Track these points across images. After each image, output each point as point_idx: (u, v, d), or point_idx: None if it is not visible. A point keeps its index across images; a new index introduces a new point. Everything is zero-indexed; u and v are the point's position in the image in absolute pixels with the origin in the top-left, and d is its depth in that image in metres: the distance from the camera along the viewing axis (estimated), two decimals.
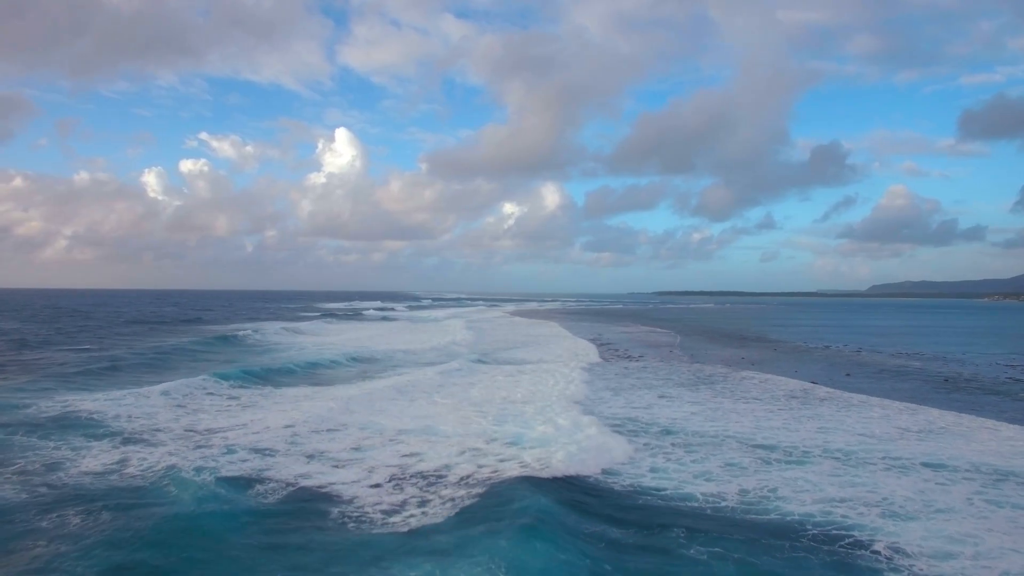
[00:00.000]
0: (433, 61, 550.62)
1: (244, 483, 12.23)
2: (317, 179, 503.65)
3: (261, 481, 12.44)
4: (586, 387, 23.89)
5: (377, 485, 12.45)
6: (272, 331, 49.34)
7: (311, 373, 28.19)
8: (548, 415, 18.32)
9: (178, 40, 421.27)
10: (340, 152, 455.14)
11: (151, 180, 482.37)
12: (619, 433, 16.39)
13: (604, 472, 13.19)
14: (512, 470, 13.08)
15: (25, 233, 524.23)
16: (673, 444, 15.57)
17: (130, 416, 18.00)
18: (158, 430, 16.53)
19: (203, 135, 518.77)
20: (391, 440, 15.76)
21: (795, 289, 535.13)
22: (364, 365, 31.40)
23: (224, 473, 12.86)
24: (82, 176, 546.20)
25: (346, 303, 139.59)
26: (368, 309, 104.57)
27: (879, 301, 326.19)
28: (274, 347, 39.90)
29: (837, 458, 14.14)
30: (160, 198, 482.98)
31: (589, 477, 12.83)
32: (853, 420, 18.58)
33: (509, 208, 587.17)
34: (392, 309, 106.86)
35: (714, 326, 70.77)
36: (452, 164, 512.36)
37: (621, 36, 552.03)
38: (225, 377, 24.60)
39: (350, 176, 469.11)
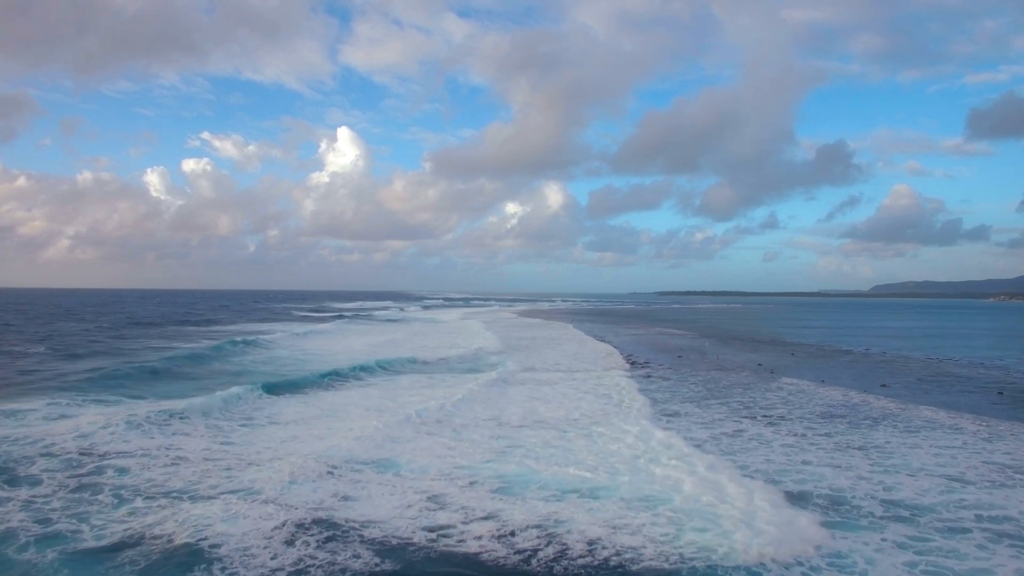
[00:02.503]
0: (435, 60, 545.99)
1: (102, 552, 8.78)
2: (319, 179, 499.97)
3: (134, 543, 9.01)
4: (600, 403, 20.38)
5: (269, 538, 9.11)
6: (290, 334, 44.44)
7: (322, 385, 23.73)
8: (566, 447, 14.46)
9: (183, 38, 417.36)
10: (342, 152, 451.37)
11: (154, 179, 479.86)
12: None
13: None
14: (465, 541, 9.17)
15: (28, 233, 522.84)
16: None
17: (39, 441, 14.26)
18: (46, 457, 12.90)
19: (205, 134, 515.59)
20: (330, 472, 11.86)
21: (797, 289, 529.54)
22: (391, 375, 26.53)
23: (86, 533, 9.44)
24: (85, 176, 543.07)
25: (356, 303, 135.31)
26: (381, 310, 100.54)
27: (884, 301, 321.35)
28: (295, 351, 35.36)
29: (905, 518, 10.07)
30: (163, 197, 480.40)
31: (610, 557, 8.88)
32: (924, 451, 14.32)
33: (512, 208, 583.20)
34: (402, 309, 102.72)
35: (723, 327, 66.71)
36: (456, 163, 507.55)
37: (624, 35, 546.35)
38: (251, 391, 20.69)
39: (353, 176, 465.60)
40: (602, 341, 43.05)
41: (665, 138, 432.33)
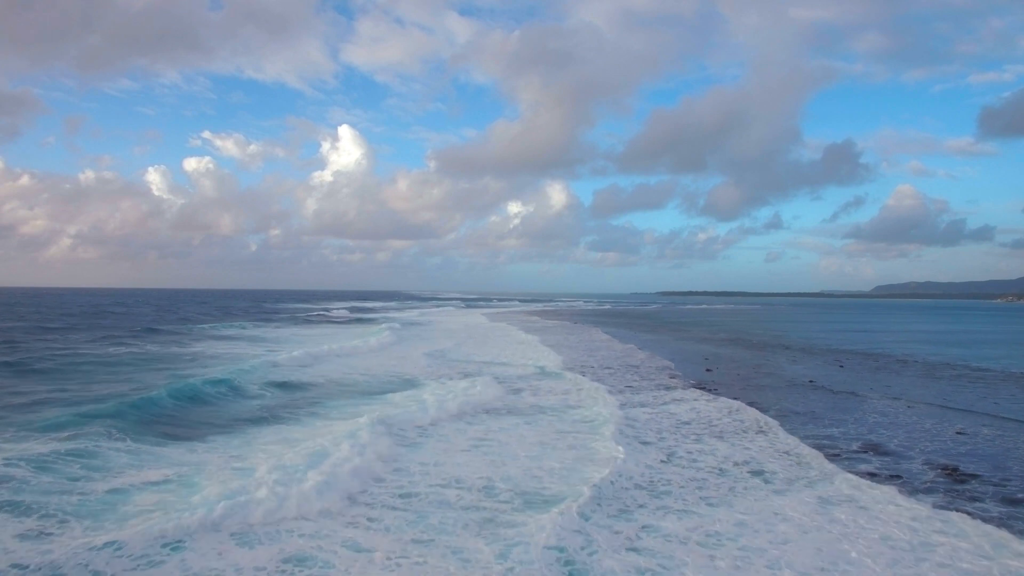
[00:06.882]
0: (437, 59, 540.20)
1: None
2: (322, 178, 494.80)
3: None
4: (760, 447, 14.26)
5: None
6: (344, 349, 34.25)
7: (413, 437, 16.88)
8: None
9: (188, 35, 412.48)
10: (345, 151, 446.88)
11: (155, 178, 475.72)
12: None
13: None
14: None
15: (30, 231, 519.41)
16: None
17: None
18: None
19: (207, 133, 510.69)
20: None
21: (799, 289, 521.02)
22: (482, 415, 17.62)
23: None
24: (87, 174, 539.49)
25: (376, 303, 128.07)
26: (398, 311, 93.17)
27: (892, 302, 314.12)
28: (359, 372, 26.77)
29: None
30: (165, 196, 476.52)
31: None
32: None
33: (515, 207, 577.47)
34: (423, 312, 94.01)
35: (743, 330, 59.73)
36: (460, 162, 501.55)
37: (629, 33, 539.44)
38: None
39: (355, 175, 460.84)
40: (643, 349, 36.70)
41: (672, 137, 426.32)
